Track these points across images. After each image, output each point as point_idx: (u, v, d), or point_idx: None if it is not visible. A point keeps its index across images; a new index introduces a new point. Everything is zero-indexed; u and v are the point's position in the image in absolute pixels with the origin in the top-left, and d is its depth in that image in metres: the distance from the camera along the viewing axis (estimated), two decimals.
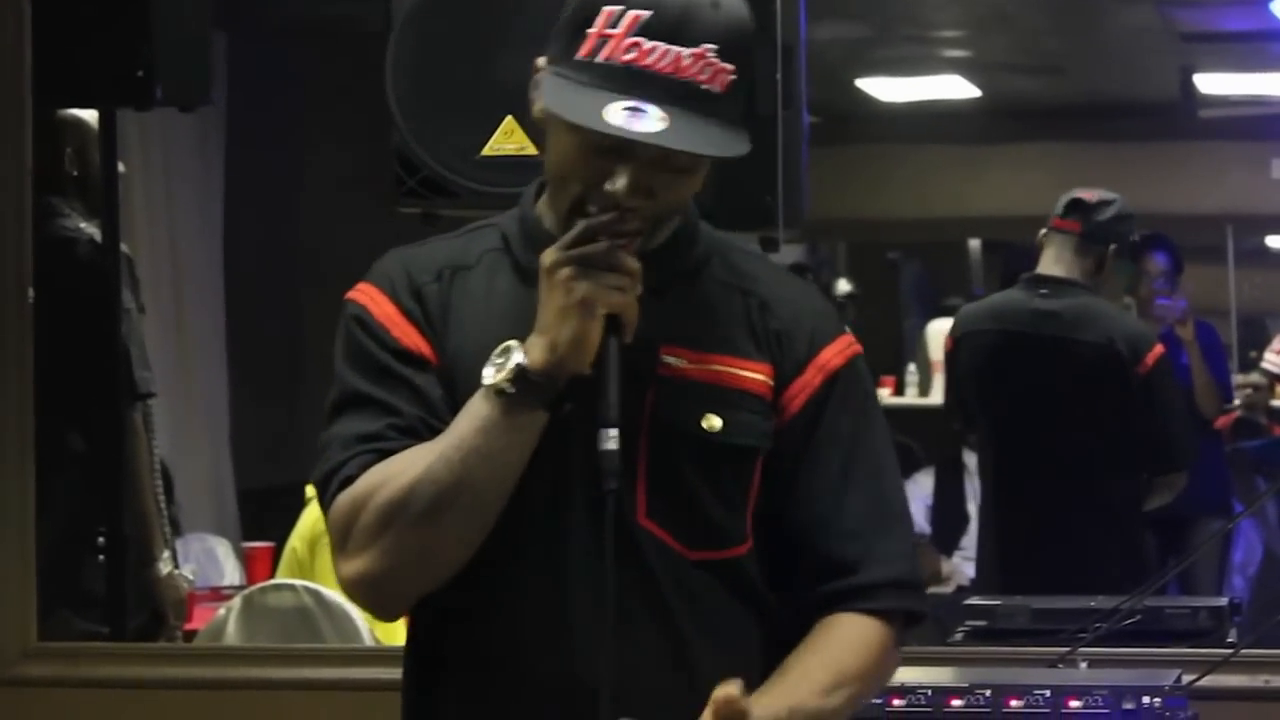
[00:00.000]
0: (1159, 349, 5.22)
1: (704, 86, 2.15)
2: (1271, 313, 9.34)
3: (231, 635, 5.10)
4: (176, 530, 5.19)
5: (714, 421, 2.22)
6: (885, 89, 9.40)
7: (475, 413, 2.15)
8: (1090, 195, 5.25)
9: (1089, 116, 9.49)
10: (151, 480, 4.83)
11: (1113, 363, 5.10)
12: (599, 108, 2.13)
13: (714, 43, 2.15)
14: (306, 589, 5.20)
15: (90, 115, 4.75)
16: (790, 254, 8.52)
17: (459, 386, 2.21)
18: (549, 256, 2.14)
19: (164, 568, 4.84)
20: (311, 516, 5.55)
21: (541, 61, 2.24)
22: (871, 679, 2.26)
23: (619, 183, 2.15)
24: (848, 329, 2.35)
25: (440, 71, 3.55)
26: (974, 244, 10.07)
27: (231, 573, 6.76)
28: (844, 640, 2.23)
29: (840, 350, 2.30)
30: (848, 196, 8.90)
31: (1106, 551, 5.04)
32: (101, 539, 4.71)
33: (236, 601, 5.21)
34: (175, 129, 7.50)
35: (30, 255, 4.34)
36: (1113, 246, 5.21)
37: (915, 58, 9.06)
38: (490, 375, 2.15)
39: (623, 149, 2.14)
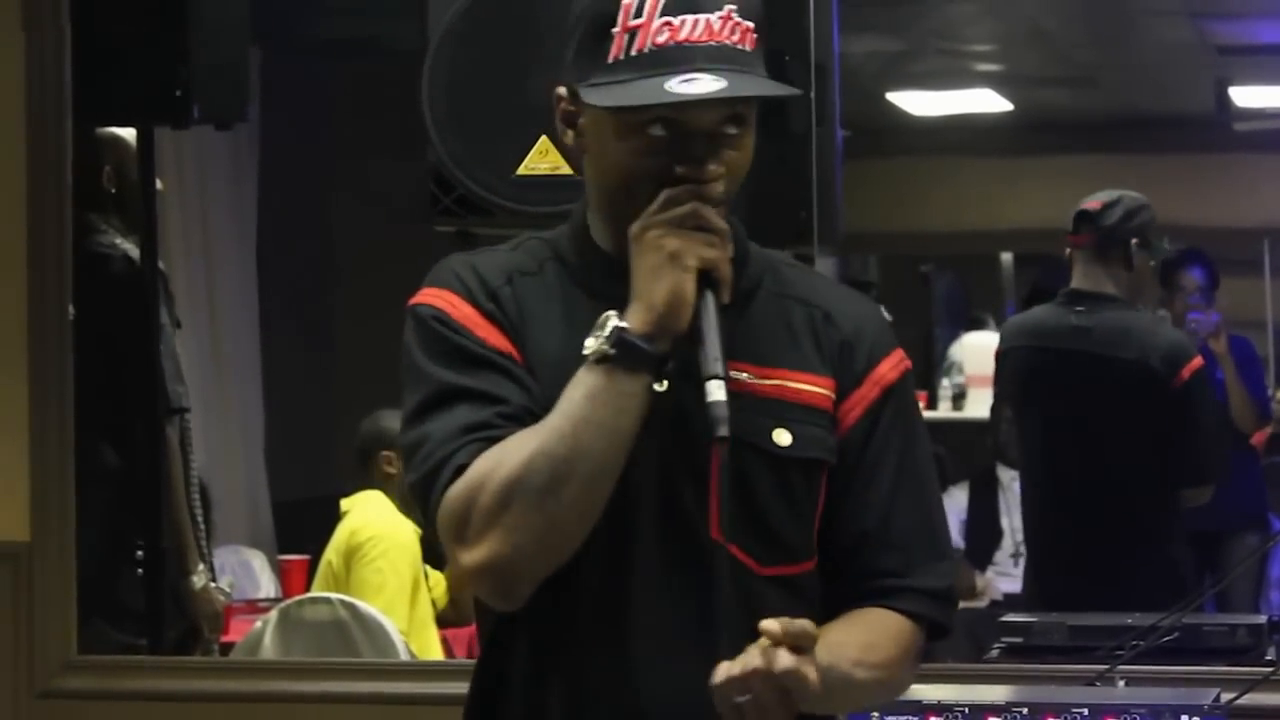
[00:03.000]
0: (1196, 361, 5.14)
1: (739, 46, 2.17)
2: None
3: (268, 648, 5.14)
4: (211, 543, 5.20)
5: (783, 436, 2.23)
6: (918, 103, 9.40)
7: (581, 383, 2.13)
8: (1094, 203, 5.14)
9: (1123, 130, 9.47)
10: (187, 494, 4.85)
11: (1148, 380, 5.05)
12: (654, 87, 2.13)
13: (733, 3, 2.18)
14: (342, 602, 5.23)
15: (128, 133, 4.79)
16: (822, 267, 8.51)
17: (545, 387, 2.19)
18: (637, 225, 2.15)
19: (200, 581, 4.86)
20: (346, 529, 5.57)
21: (561, 90, 2.25)
22: (897, 671, 2.27)
23: (687, 160, 2.15)
24: (897, 342, 2.36)
25: (476, 90, 3.57)
26: (1006, 257, 10.06)
27: (267, 585, 6.79)
28: (878, 626, 2.25)
29: (895, 364, 2.32)
30: (880, 210, 8.89)
31: (1144, 568, 5.02)
32: (139, 552, 4.73)
33: (273, 614, 5.24)
34: (211, 146, 7.53)
35: (70, 272, 4.38)
36: (1134, 241, 5.10)
37: (948, 71, 9.06)
38: (591, 345, 2.13)
39: (679, 132, 2.16)
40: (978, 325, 9.65)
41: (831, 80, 4.11)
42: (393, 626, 5.16)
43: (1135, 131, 9.40)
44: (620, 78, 2.16)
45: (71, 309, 4.38)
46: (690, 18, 2.16)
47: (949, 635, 2.32)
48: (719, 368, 2.10)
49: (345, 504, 5.67)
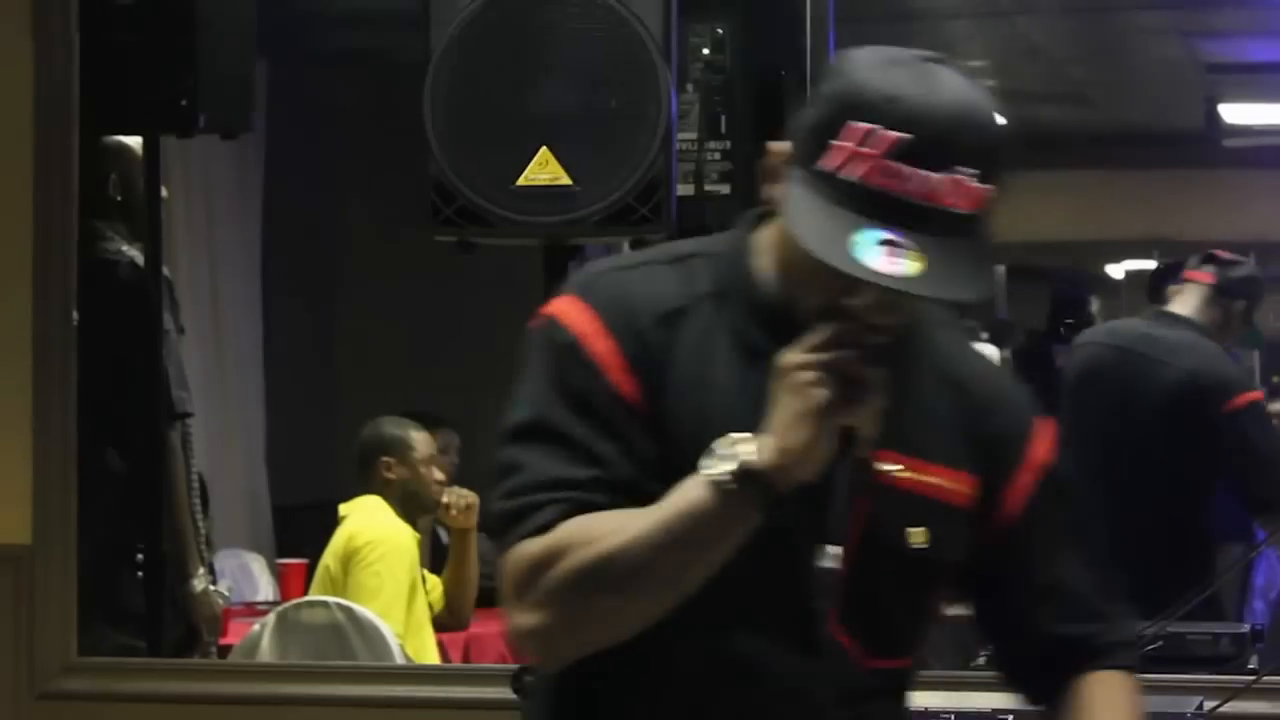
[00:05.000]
0: (1252, 395, 5.25)
1: (960, 211, 1.98)
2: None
3: (265, 651, 5.14)
4: (211, 547, 5.22)
5: (920, 535, 2.13)
6: None
7: (688, 499, 2.00)
8: (1223, 253, 5.35)
9: (1114, 146, 9.50)
10: (188, 498, 4.85)
11: (1193, 396, 5.11)
12: (846, 236, 1.95)
13: (975, 167, 1.98)
14: (339, 605, 5.24)
15: (134, 141, 4.81)
16: None
17: (667, 446, 2.06)
18: (790, 359, 1.98)
19: (199, 584, 4.86)
20: (345, 534, 5.60)
21: (778, 148, 2.06)
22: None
23: (864, 300, 1.99)
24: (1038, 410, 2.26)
25: (477, 102, 3.57)
26: (999, 270, 10.10)
27: (266, 588, 6.80)
28: (1117, 693, 2.22)
29: (1046, 440, 2.23)
30: None
31: (1165, 577, 5.04)
32: (140, 556, 4.75)
33: (270, 617, 5.25)
34: (216, 155, 7.54)
35: (75, 278, 4.42)
36: (1241, 303, 5.29)
37: None
38: (711, 466, 1.99)
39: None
40: (969, 335, 9.67)
41: None
42: (389, 630, 5.17)
43: (1126, 147, 9.44)
44: (825, 192, 1.98)
45: (76, 314, 4.41)
46: (920, 173, 1.97)
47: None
48: (837, 534, 1.99)
49: (344, 509, 5.69)
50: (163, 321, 4.76)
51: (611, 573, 2.01)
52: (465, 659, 5.61)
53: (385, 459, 5.70)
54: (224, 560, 6.67)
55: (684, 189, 3.63)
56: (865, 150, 1.97)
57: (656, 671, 2.11)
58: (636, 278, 2.14)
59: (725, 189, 4.27)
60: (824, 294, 2.01)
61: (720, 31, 4.24)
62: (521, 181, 3.53)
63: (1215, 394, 5.12)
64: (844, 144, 1.98)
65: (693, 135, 4.20)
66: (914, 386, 2.13)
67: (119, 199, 4.84)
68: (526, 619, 2.05)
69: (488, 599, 6.14)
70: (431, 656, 5.47)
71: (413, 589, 5.51)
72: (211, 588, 4.95)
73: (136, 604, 4.75)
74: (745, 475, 1.98)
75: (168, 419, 4.78)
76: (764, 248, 2.12)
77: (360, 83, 7.99)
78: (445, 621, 5.75)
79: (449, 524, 5.85)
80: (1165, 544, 5.09)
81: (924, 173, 1.96)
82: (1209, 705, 3.06)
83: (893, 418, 2.06)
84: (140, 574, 4.75)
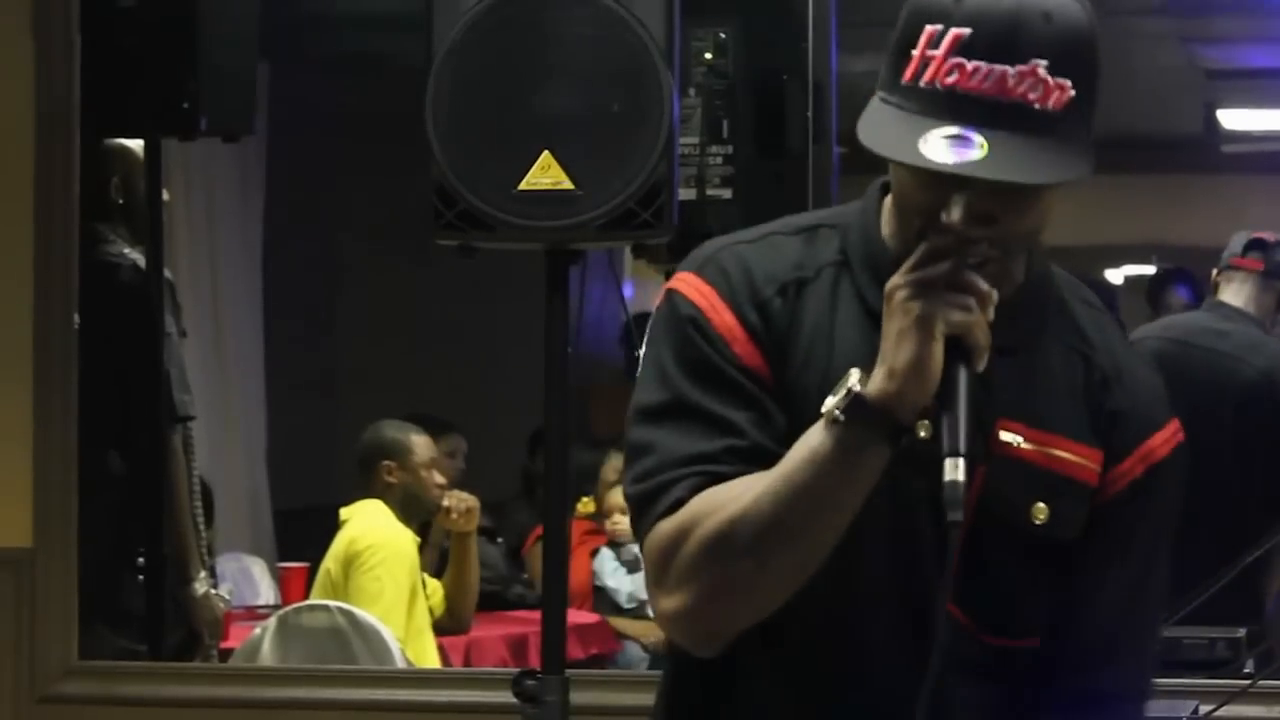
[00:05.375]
0: None
1: (1036, 106, 1.94)
2: None
3: (266, 655, 5.14)
4: (212, 550, 5.23)
5: (1042, 511, 2.05)
6: None
7: (808, 443, 1.95)
8: (1269, 235, 5.31)
9: (1113, 150, 9.49)
10: (190, 501, 4.86)
11: (1269, 395, 5.11)
12: (916, 138, 1.93)
13: (1044, 57, 1.94)
14: (340, 609, 5.24)
15: (136, 144, 4.82)
16: None
17: (794, 418, 2.01)
18: (891, 281, 1.94)
19: (200, 588, 4.87)
20: (346, 537, 5.60)
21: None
22: None
23: (954, 213, 1.94)
24: (1173, 413, 2.17)
25: (479, 105, 3.54)
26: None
27: (267, 592, 6.80)
28: None
29: (1167, 439, 2.13)
30: None
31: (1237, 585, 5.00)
32: (141, 559, 4.76)
33: (271, 621, 5.25)
34: (218, 158, 7.54)
35: (76, 281, 4.42)
36: None
37: None
38: (828, 403, 1.94)
39: (956, 175, 1.93)
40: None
41: (829, 99, 4.16)
42: (390, 634, 5.17)
43: (1125, 152, 9.45)
44: (902, 104, 1.97)
45: (77, 317, 4.42)
46: (985, 66, 1.93)
47: None
48: (961, 444, 1.90)
49: (345, 513, 5.69)
50: (164, 324, 4.77)
51: (741, 535, 1.95)
52: (466, 663, 5.62)
53: (386, 462, 5.70)
54: (225, 564, 6.67)
55: (686, 193, 3.62)
56: (934, 53, 1.95)
57: (772, 647, 2.04)
58: (757, 250, 2.10)
59: (727, 193, 4.26)
60: (920, 215, 1.97)
61: (723, 35, 4.24)
62: (523, 185, 3.50)
63: None
64: (917, 53, 1.96)
65: (695, 139, 4.20)
66: (1041, 356, 2.07)
67: (120, 202, 4.85)
68: (669, 602, 2.00)
69: (488, 603, 6.15)
70: (432, 660, 5.47)
71: (413, 593, 5.51)
72: (213, 591, 4.96)
73: (137, 607, 4.75)
74: (856, 402, 1.92)
75: (169, 422, 4.79)
76: (888, 215, 2.09)
77: (362, 86, 7.99)
78: (446, 625, 5.75)
79: (449, 528, 5.85)
80: (1225, 543, 5.07)
81: (994, 66, 1.93)
82: (1205, 709, 3.05)
83: (1018, 387, 2.03)
84: (141, 577, 4.75)
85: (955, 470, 1.89)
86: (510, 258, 3.82)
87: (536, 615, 3.80)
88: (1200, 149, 9.14)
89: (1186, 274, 6.65)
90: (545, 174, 3.51)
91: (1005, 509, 2.03)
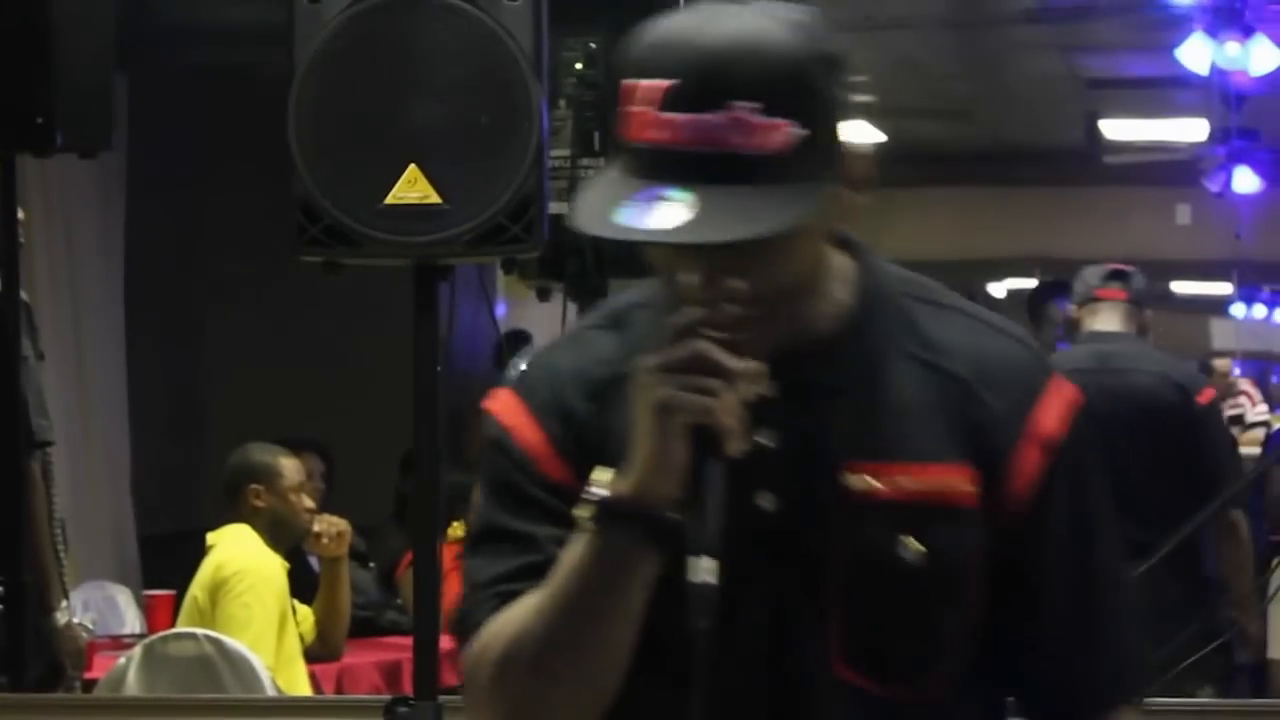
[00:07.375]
0: (1211, 390, 5.58)
1: (747, 153, 1.79)
2: (1177, 356, 9.43)
3: (132, 684, 5.08)
4: (74, 579, 5.14)
5: (914, 547, 1.89)
6: None
7: (570, 554, 1.86)
8: (1124, 266, 5.56)
9: (995, 161, 9.56)
10: (50, 530, 4.80)
11: (1170, 394, 5.30)
12: (614, 204, 1.81)
13: (753, 99, 1.79)
14: (208, 637, 5.18)
15: None
16: None
17: None
18: (637, 367, 1.82)
19: (62, 617, 4.81)
20: (212, 564, 5.51)
21: None
22: None
23: (686, 282, 1.80)
24: (1054, 370, 1.99)
25: (343, 119, 3.53)
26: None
27: (132, 621, 6.71)
28: None
29: (1055, 409, 1.95)
30: None
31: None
32: (0, 589, 4.66)
33: (137, 650, 5.18)
34: (76, 174, 7.45)
35: None
36: (1148, 311, 5.52)
37: None
38: (578, 511, 1.85)
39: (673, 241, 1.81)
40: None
41: None
42: (259, 662, 5.11)
43: (1007, 163, 9.50)
44: (613, 168, 1.85)
45: None
46: (681, 118, 1.79)
47: None
48: (709, 542, 1.78)
49: (211, 538, 5.60)
50: (20, 347, 4.67)
51: (523, 656, 1.88)
52: (338, 690, 5.57)
53: (253, 486, 5.61)
54: (88, 592, 6.61)
55: (557, 207, 3.58)
56: (636, 109, 1.82)
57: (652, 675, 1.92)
58: (568, 353, 1.99)
59: None
60: (663, 289, 1.86)
61: (593, 45, 4.19)
62: (390, 200, 3.49)
63: (1186, 390, 5.34)
64: (624, 109, 1.83)
65: (566, 152, 4.15)
66: (881, 383, 1.92)
67: None
68: None
69: (360, 629, 6.07)
70: (303, 688, 5.42)
71: (283, 619, 5.44)
72: (75, 621, 4.88)
73: None
74: (603, 507, 1.83)
75: (27, 448, 4.71)
76: None
77: (224, 98, 7.91)
78: (317, 652, 5.68)
79: (319, 553, 5.78)
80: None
81: (695, 116, 1.79)
82: None
83: (858, 425, 1.90)
84: (1, 608, 4.64)
85: (702, 572, 1.78)
86: (381, 274, 3.76)
87: (409, 641, 3.78)
88: (1081, 160, 9.19)
89: (1067, 286, 6.64)
90: (412, 188, 3.49)
91: (876, 555, 1.89)
